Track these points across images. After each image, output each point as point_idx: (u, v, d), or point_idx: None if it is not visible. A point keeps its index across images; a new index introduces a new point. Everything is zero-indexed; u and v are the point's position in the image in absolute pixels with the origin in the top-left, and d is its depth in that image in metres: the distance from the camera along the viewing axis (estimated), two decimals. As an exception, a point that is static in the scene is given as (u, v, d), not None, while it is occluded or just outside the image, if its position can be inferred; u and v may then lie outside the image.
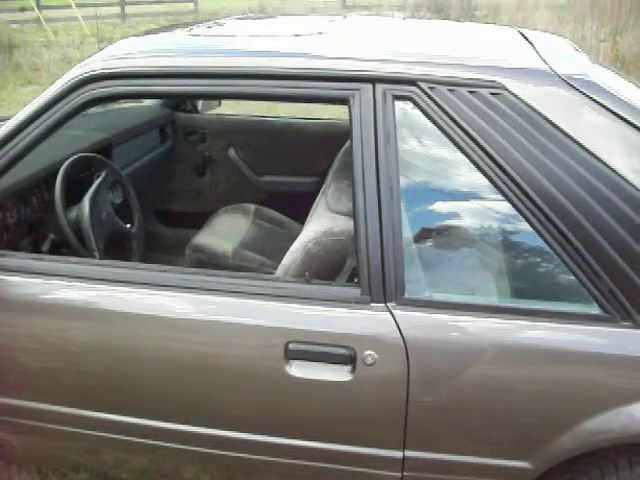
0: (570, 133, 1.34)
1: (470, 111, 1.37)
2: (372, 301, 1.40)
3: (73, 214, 1.94)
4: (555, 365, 1.36)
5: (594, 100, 1.37)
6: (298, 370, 1.43)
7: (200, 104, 3.03)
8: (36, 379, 1.63)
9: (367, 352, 1.39)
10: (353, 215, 1.41)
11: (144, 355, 1.52)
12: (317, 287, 1.46)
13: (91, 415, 1.61)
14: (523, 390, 1.37)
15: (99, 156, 2.10)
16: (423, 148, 1.44)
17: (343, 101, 1.45)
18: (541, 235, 1.34)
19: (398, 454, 1.47)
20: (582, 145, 1.33)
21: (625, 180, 1.30)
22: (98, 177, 2.04)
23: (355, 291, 1.42)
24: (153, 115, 2.81)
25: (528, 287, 1.41)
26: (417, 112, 1.41)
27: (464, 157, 1.38)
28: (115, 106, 2.81)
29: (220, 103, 3.12)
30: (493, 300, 1.39)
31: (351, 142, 1.42)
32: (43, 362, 1.61)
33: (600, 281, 1.32)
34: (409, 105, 1.42)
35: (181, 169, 3.00)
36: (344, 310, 1.42)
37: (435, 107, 1.39)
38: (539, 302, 1.38)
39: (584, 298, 1.35)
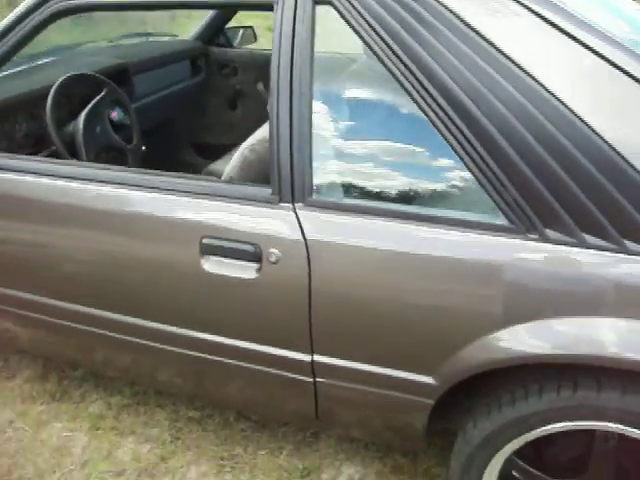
0: (477, 27, 1.24)
1: (383, 11, 1.31)
2: (281, 201, 1.41)
3: (70, 128, 2.09)
4: (456, 275, 1.30)
5: None
6: (211, 265, 1.47)
7: (238, 39, 3.09)
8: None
9: (271, 250, 1.40)
10: (269, 119, 1.41)
11: (83, 248, 1.62)
12: (234, 186, 1.49)
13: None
14: (422, 299, 1.33)
15: (97, 75, 2.22)
16: (340, 53, 1.41)
17: (270, 7, 1.44)
18: (447, 140, 1.27)
19: (307, 358, 1.48)
20: (488, 40, 1.23)
21: (534, 79, 1.20)
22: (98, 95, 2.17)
23: (267, 191, 1.43)
24: (182, 47, 2.90)
25: (434, 193, 1.35)
26: (337, 16, 1.37)
27: (378, 61, 1.32)
28: (145, 38, 2.95)
29: (256, 38, 3.16)
30: (396, 206, 1.34)
31: (272, 46, 1.42)
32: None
33: (505, 190, 1.24)
34: (329, 10, 1.38)
35: (215, 102, 3.08)
36: (254, 209, 1.43)
37: (353, 11, 1.34)
38: (445, 210, 1.32)
39: (490, 207, 1.27)
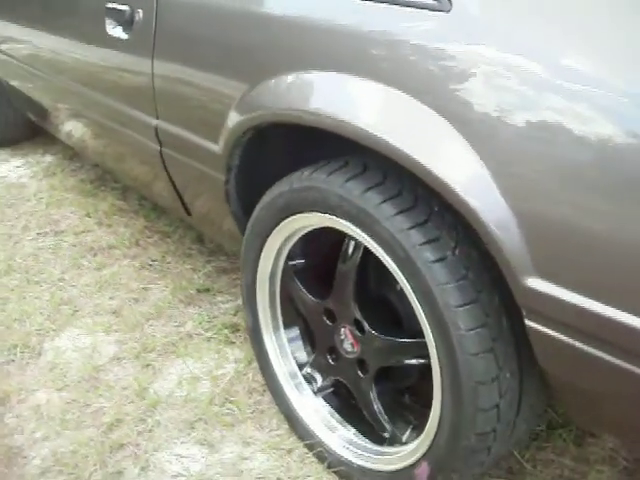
0: None
1: None
2: None
3: None
4: (230, 22, 1.31)
5: None
6: (110, 28, 1.63)
7: None
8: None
9: (138, 10, 1.54)
10: None
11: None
12: None
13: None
14: (216, 51, 1.35)
15: None
16: None
17: None
18: None
19: (153, 121, 1.57)
20: None
21: None
22: None
23: None
24: None
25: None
26: None
27: None
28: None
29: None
30: None
31: None
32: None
33: None
34: None
35: None
36: None
37: None
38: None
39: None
